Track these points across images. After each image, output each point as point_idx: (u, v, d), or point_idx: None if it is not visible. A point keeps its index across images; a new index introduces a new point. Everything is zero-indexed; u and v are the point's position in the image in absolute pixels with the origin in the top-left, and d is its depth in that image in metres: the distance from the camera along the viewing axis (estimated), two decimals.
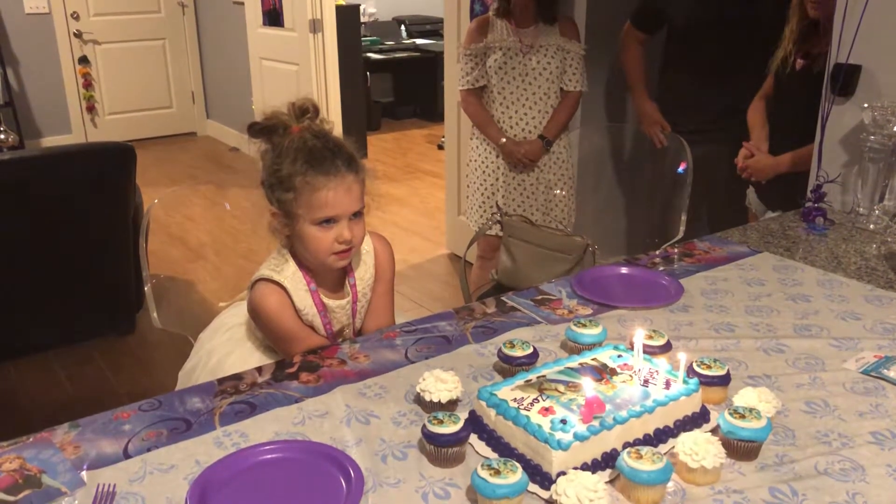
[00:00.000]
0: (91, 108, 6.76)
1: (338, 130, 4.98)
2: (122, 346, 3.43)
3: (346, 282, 1.58)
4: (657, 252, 1.93)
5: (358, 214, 1.49)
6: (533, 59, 2.88)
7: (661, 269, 1.81)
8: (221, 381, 1.37)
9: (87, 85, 6.69)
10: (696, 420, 1.21)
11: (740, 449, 1.14)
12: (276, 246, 1.57)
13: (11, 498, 1.06)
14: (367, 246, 1.62)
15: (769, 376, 1.36)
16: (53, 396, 2.97)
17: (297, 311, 1.50)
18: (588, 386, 1.16)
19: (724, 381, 1.27)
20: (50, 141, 6.42)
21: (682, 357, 1.24)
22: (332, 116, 5.51)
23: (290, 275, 1.51)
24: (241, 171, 6.13)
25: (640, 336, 1.28)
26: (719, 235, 2.03)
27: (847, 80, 2.10)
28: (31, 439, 1.19)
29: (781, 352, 1.45)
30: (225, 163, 6.48)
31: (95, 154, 3.31)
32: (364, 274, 1.60)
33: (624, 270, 1.79)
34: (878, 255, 1.87)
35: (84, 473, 1.12)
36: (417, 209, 5.29)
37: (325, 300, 1.54)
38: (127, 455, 1.16)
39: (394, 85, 8.07)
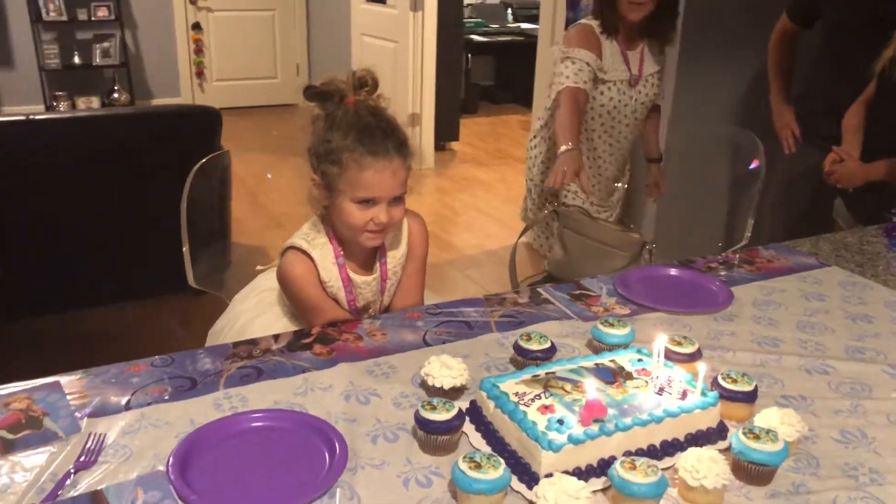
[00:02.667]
0: (200, 74, 6.98)
1: (430, 111, 4.97)
2: (195, 305, 3.53)
3: (377, 259, 1.56)
4: (716, 256, 1.82)
5: (398, 199, 1.46)
6: (641, 91, 2.49)
7: (716, 274, 1.71)
8: (237, 344, 1.38)
9: (198, 51, 6.91)
10: (711, 436, 1.13)
11: (751, 472, 1.05)
12: (312, 216, 1.56)
13: (11, 436, 1.09)
14: (403, 224, 1.59)
15: (805, 398, 1.26)
16: (119, 346, 3.08)
17: (322, 282, 1.49)
18: (591, 387, 1.10)
19: (749, 397, 1.18)
20: (159, 102, 6.66)
21: (702, 367, 1.16)
22: (426, 96, 5.52)
23: (320, 246, 1.50)
24: None
25: (661, 341, 1.20)
26: (788, 244, 1.90)
27: None
28: (43, 382, 1.22)
29: (826, 373, 1.34)
30: None
31: (184, 115, 3.41)
32: (396, 252, 1.58)
33: (673, 272, 1.69)
34: None
35: (83, 420, 1.14)
36: (501, 195, 5.23)
37: (352, 275, 1.52)
38: (127, 407, 1.17)
39: (496, 68, 8.00)
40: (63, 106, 6.16)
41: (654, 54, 2.53)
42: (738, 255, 1.82)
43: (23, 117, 3.05)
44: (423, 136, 5.65)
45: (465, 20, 6.92)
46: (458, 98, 6.29)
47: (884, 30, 2.25)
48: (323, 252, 1.49)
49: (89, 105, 6.32)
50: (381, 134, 1.41)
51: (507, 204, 5.04)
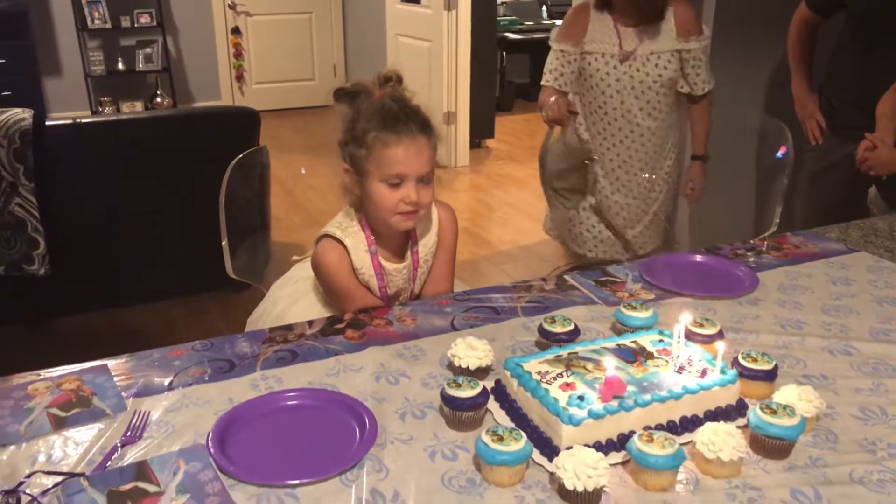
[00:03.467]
0: (240, 77, 7.12)
1: (465, 109, 5.01)
2: (237, 300, 3.62)
3: (409, 248, 1.61)
4: (742, 243, 1.83)
5: (426, 180, 1.51)
6: (639, 69, 2.44)
7: (743, 260, 1.73)
8: (273, 329, 1.44)
9: (238, 55, 7.05)
10: (730, 413, 1.16)
11: (768, 446, 1.08)
12: (345, 206, 1.61)
13: (63, 413, 1.17)
14: (433, 214, 1.64)
15: (826, 377, 1.28)
16: (165, 340, 3.17)
17: (354, 269, 1.54)
18: (610, 365, 1.13)
19: (769, 376, 1.21)
20: (201, 106, 6.80)
21: (721, 346, 1.19)
22: (461, 94, 5.56)
23: (353, 234, 1.55)
24: None
25: (683, 321, 1.23)
26: (816, 231, 1.90)
27: None
28: (92, 365, 1.30)
29: (849, 354, 1.35)
30: None
31: (224, 116, 3.51)
32: (427, 241, 1.63)
33: (698, 258, 1.72)
34: None
35: (128, 400, 1.20)
36: (535, 192, 5.22)
37: (384, 263, 1.57)
38: (170, 388, 1.24)
39: (531, 66, 8.01)
40: (108, 110, 6.33)
41: (666, 35, 2.44)
42: (765, 242, 1.83)
43: (70, 121, 3.16)
44: (459, 134, 5.70)
45: (499, 18, 6.95)
46: (493, 96, 6.32)
47: None
48: (356, 240, 1.55)
49: (133, 109, 6.48)
50: (404, 116, 1.47)
51: (541, 200, 5.02)
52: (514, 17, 7.53)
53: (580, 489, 0.97)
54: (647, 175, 2.56)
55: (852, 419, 1.17)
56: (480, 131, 6.09)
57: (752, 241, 1.85)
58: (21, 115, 2.99)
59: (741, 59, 3.22)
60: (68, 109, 6.32)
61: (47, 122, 3.05)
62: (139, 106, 6.54)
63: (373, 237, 1.57)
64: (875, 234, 1.88)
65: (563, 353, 1.23)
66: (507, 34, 7.28)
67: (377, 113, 1.47)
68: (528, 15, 7.69)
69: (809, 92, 2.79)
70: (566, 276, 1.65)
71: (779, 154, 2.31)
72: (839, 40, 2.68)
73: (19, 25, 5.88)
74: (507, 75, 7.47)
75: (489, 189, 5.34)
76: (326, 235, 1.56)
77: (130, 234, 3.30)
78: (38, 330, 3.29)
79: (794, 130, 2.80)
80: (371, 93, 1.50)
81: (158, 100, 6.55)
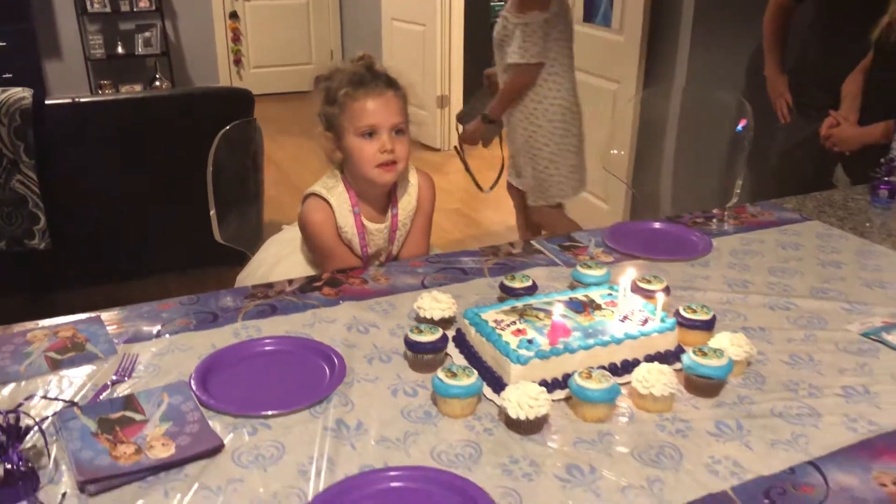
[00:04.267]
0: (238, 61, 7.20)
1: (458, 92, 5.15)
2: (234, 274, 3.72)
3: (389, 209, 1.71)
4: (703, 212, 1.94)
5: (400, 132, 1.62)
6: (496, 27, 2.98)
7: (701, 227, 1.83)
8: (255, 287, 1.55)
9: (236, 39, 7.13)
10: (668, 357, 1.26)
11: (700, 385, 1.19)
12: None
13: (59, 356, 1.28)
14: (413, 180, 1.75)
15: (763, 329, 1.39)
16: None
17: (338, 228, 1.65)
18: (557, 311, 1.24)
19: (707, 325, 1.32)
20: (197, 87, 6.89)
21: (660, 297, 1.30)
22: (454, 76, 5.66)
23: (338, 194, 1.66)
24: None
25: (628, 276, 1.34)
26: (775, 201, 2.01)
27: None
28: (87, 316, 1.41)
29: (787, 309, 1.46)
30: None
31: (219, 97, 3.61)
32: (407, 205, 1.73)
33: (657, 226, 1.82)
34: None
35: (119, 345, 1.31)
36: None
37: (366, 222, 1.68)
38: (158, 335, 1.35)
39: None
40: (108, 93, 6.41)
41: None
42: (725, 212, 1.94)
43: (69, 100, 3.27)
44: (452, 117, 5.79)
45: (493, 3, 7.02)
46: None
47: (875, 0, 2.35)
48: (340, 200, 1.66)
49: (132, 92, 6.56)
50: (371, 75, 1.59)
51: None
52: None
53: (522, 417, 1.08)
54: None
55: (781, 364, 1.28)
56: None
57: (713, 211, 1.95)
58: (21, 94, 3.09)
59: (722, 46, 3.32)
60: (68, 92, 6.38)
61: (47, 102, 3.15)
62: (138, 89, 6.62)
63: (356, 198, 1.67)
64: (830, 205, 1.98)
65: (519, 304, 1.34)
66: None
67: (346, 77, 1.58)
68: None
69: (780, 73, 2.89)
70: (533, 242, 1.75)
71: (739, 127, 2.41)
72: (809, 23, 2.79)
73: (20, 9, 5.97)
74: None
75: (481, 170, 5.40)
76: (313, 194, 1.66)
77: (129, 210, 3.40)
78: (40, 303, 3.39)
79: (768, 110, 2.90)
80: (345, 68, 1.61)
81: (157, 83, 6.63)
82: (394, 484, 0.97)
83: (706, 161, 3.13)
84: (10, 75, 5.94)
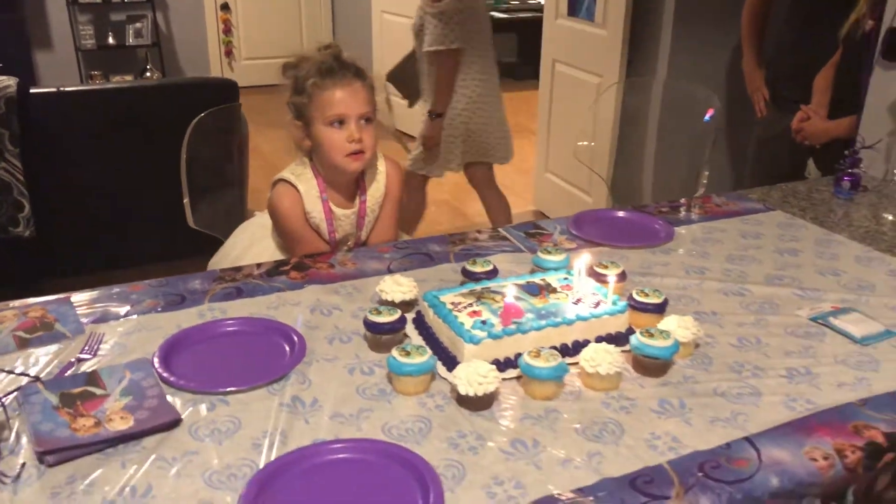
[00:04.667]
0: (229, 53, 7.22)
1: None
2: None
3: (357, 196, 1.75)
4: (669, 202, 1.98)
5: (368, 121, 1.65)
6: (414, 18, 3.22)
7: (666, 216, 1.87)
8: (224, 270, 1.58)
9: (227, 31, 7.15)
10: (619, 339, 1.30)
11: (646, 365, 1.23)
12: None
13: (27, 335, 1.31)
14: (382, 167, 1.78)
15: (716, 313, 1.43)
16: None
17: (306, 213, 1.69)
18: (509, 293, 1.28)
19: (658, 309, 1.35)
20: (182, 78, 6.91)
21: (612, 279, 1.34)
22: None
23: (307, 180, 1.70)
24: None
25: (582, 261, 1.38)
26: (741, 192, 2.05)
27: None
28: (57, 297, 1.44)
29: (741, 295, 1.50)
30: None
31: (204, 87, 3.63)
32: (375, 192, 1.77)
33: (621, 214, 1.86)
34: (894, 220, 1.85)
35: (87, 325, 1.35)
36: (515, 166, 5.32)
37: (334, 208, 1.72)
38: (126, 316, 1.39)
39: (518, 45, 8.12)
40: (93, 83, 6.43)
41: None
42: (690, 202, 1.98)
43: (54, 89, 3.29)
44: None
45: None
46: None
47: None
48: (308, 186, 1.69)
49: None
50: (339, 65, 1.63)
51: (520, 175, 5.19)
52: None
53: (471, 394, 1.12)
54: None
55: (729, 346, 1.32)
56: None
57: (680, 201, 1.99)
58: (6, 82, 3.12)
59: (703, 42, 3.36)
60: (60, 83, 6.40)
61: (32, 90, 3.18)
62: (129, 80, 6.64)
63: (324, 184, 1.71)
64: (794, 196, 2.02)
65: (478, 287, 1.37)
66: (492, 13, 7.37)
67: (315, 66, 1.62)
68: None
69: (758, 67, 2.93)
70: (500, 229, 1.79)
71: (706, 117, 2.45)
72: (784, 17, 2.83)
73: None
74: None
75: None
76: (281, 180, 1.70)
77: (114, 199, 3.43)
78: (28, 292, 3.42)
79: (746, 103, 2.95)
80: (313, 57, 1.64)
81: (148, 74, 6.65)
82: (339, 455, 1.01)
83: (686, 152, 3.17)
84: (1, 65, 5.95)
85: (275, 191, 1.70)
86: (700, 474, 1.02)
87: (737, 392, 1.19)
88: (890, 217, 1.87)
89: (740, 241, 1.74)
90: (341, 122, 1.62)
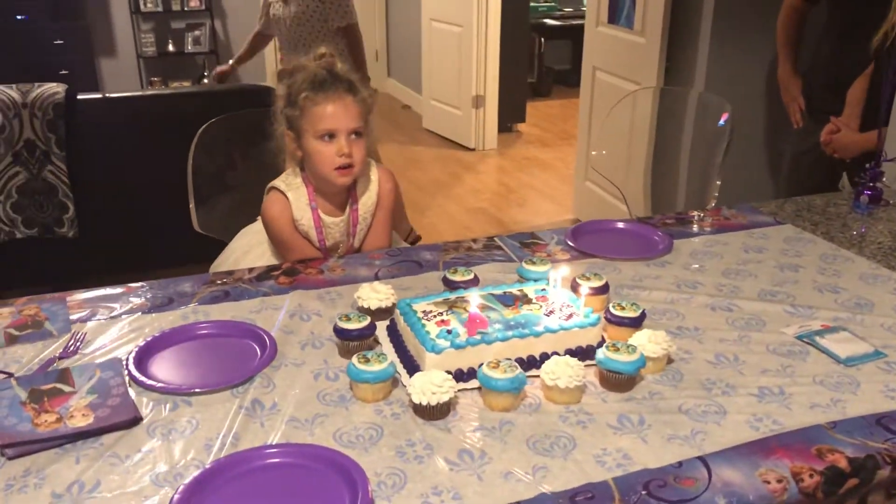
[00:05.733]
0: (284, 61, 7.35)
1: (493, 93, 5.24)
2: None
3: (349, 205, 1.77)
4: (674, 214, 1.94)
5: (358, 135, 1.67)
6: (292, 7, 3.50)
7: (668, 229, 1.84)
8: (216, 273, 1.62)
9: None
10: (590, 353, 1.29)
11: (611, 379, 1.21)
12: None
13: (17, 333, 1.37)
14: (374, 176, 1.80)
15: (698, 329, 1.40)
16: None
17: (294, 221, 1.71)
18: (473, 303, 1.28)
19: (635, 322, 1.33)
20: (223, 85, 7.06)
21: (584, 291, 1.33)
22: (489, 78, 5.68)
23: (296, 188, 1.73)
24: (405, 128, 6.46)
25: (559, 272, 1.37)
26: (753, 205, 2.00)
27: None
28: (52, 296, 1.50)
29: (729, 311, 1.47)
30: (394, 119, 6.85)
31: (244, 93, 3.72)
32: (367, 201, 1.78)
33: (621, 225, 1.84)
34: None
35: (75, 325, 1.40)
36: (558, 174, 5.35)
37: (323, 216, 1.74)
38: (112, 317, 1.43)
39: (573, 52, 8.06)
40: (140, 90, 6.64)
41: None
42: (696, 214, 1.94)
43: (100, 95, 3.42)
44: (487, 118, 5.83)
45: (536, 5, 7.04)
46: (525, 81, 6.42)
47: (882, 3, 2.30)
48: (297, 194, 1.72)
49: None
50: (331, 78, 1.65)
51: (563, 183, 5.17)
52: (552, 3, 7.59)
53: (424, 403, 1.12)
54: None
55: (704, 363, 1.29)
56: (511, 116, 6.21)
57: (687, 213, 1.95)
58: (55, 88, 3.25)
59: (741, 46, 3.29)
60: (121, 89, 6.64)
61: (79, 97, 3.30)
62: (187, 86, 6.83)
63: (315, 194, 1.73)
64: (809, 210, 1.96)
65: (452, 296, 1.38)
66: (545, 20, 7.36)
67: (308, 78, 1.64)
68: (567, 1, 7.74)
69: (794, 76, 2.85)
70: (495, 238, 1.79)
71: (721, 121, 2.40)
72: (822, 25, 2.74)
73: (77, 7, 6.23)
74: (545, 61, 7.55)
75: (513, 172, 5.46)
76: (273, 188, 1.73)
77: (155, 202, 3.52)
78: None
79: (784, 114, 2.87)
80: (308, 67, 1.67)
81: (206, 80, 6.83)
82: (275, 460, 1.02)
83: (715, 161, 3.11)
84: (67, 72, 6.20)
85: (266, 198, 1.74)
86: (643, 492, 1.00)
87: (702, 410, 1.17)
88: None
89: (741, 256, 1.70)
90: (331, 136, 1.64)
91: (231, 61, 4.30)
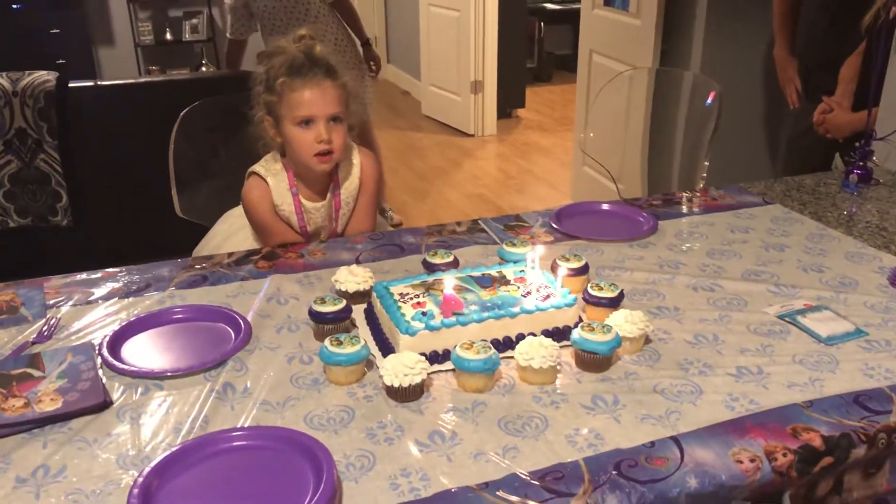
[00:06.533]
0: None
1: (492, 78, 5.26)
2: None
3: (331, 191, 1.75)
4: (662, 195, 1.92)
5: (337, 120, 1.65)
6: None
7: (654, 210, 1.82)
8: (195, 258, 1.61)
9: None
10: (567, 333, 1.27)
11: (586, 360, 1.20)
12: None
13: None
14: (356, 160, 1.78)
15: (678, 309, 1.38)
16: None
17: (275, 206, 1.70)
18: (448, 285, 1.27)
19: (612, 303, 1.32)
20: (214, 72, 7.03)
21: (561, 272, 1.31)
22: (488, 64, 5.65)
23: (276, 173, 1.71)
24: (404, 114, 6.43)
25: (535, 253, 1.36)
26: (742, 185, 1.98)
27: None
28: (29, 281, 1.49)
29: (711, 291, 1.45)
30: (394, 105, 6.82)
31: (235, 80, 3.69)
32: (349, 185, 1.77)
33: (606, 207, 1.82)
34: None
35: (50, 310, 1.39)
36: (557, 160, 5.32)
37: (304, 202, 1.72)
38: (88, 303, 1.42)
39: (573, 37, 8.01)
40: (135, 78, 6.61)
41: None
42: (684, 195, 1.92)
43: (91, 83, 3.40)
44: (486, 103, 5.80)
45: None
46: (524, 66, 6.38)
47: None
48: (278, 179, 1.71)
49: None
50: (309, 62, 1.62)
51: (563, 168, 5.14)
52: None
53: (396, 385, 1.11)
54: None
55: (683, 343, 1.28)
56: (510, 101, 6.17)
57: (675, 194, 1.94)
58: (45, 77, 3.24)
59: (737, 28, 3.26)
60: (120, 77, 6.61)
61: (71, 84, 3.29)
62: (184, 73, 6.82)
63: (295, 179, 1.72)
64: (798, 190, 1.94)
65: (430, 279, 1.36)
66: (545, 5, 7.31)
67: (285, 63, 1.62)
68: None
69: (790, 56, 2.82)
70: (479, 221, 1.77)
71: (708, 101, 2.37)
72: (817, 4, 2.71)
73: None
74: (545, 46, 7.50)
75: (512, 157, 5.44)
76: (253, 173, 1.72)
77: (149, 189, 3.51)
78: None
79: (781, 96, 2.84)
80: (287, 50, 1.64)
81: (203, 69, 6.81)
82: (240, 442, 1.01)
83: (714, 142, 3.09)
84: (64, 61, 6.14)
85: (246, 184, 1.72)
86: (614, 472, 0.99)
87: (678, 390, 1.15)
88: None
89: (727, 236, 1.68)
90: (309, 122, 1.62)
91: None
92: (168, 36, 6.69)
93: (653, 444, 1.04)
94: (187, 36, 6.75)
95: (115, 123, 3.36)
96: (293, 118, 1.62)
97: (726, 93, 2.78)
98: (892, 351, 1.25)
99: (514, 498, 0.95)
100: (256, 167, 1.72)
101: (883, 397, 1.13)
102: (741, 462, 1.01)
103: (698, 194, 1.92)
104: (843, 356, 1.23)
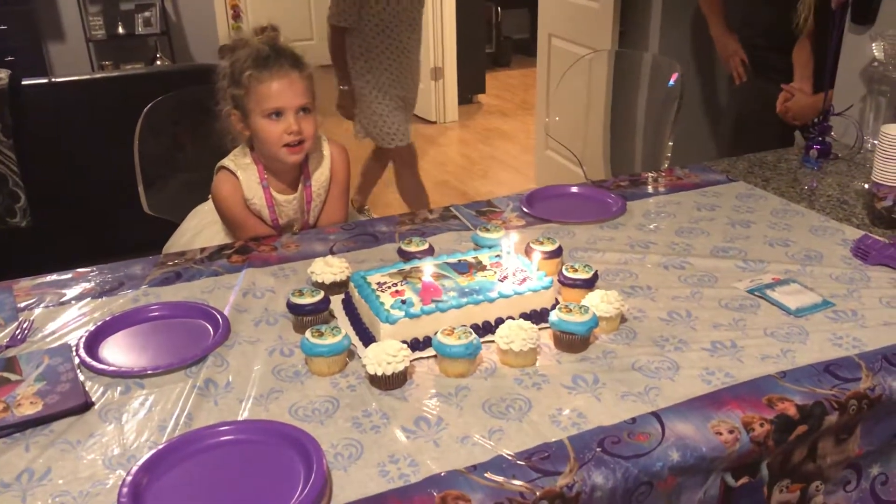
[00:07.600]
0: None
1: (451, 64, 5.29)
2: None
3: (301, 182, 1.75)
4: (628, 176, 1.95)
5: (306, 111, 1.64)
6: None
7: (622, 191, 1.84)
8: (167, 255, 1.59)
9: (236, 16, 7.18)
10: (544, 316, 1.29)
11: (564, 341, 1.22)
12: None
13: None
14: (326, 151, 1.77)
15: (651, 287, 1.41)
16: None
17: (246, 200, 1.69)
18: (427, 272, 1.28)
19: (587, 284, 1.34)
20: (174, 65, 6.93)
21: (536, 256, 1.33)
22: (447, 50, 5.64)
23: (246, 167, 1.70)
24: None
25: (511, 238, 1.37)
26: (706, 164, 2.01)
27: (866, 6, 1.98)
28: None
29: (682, 268, 1.48)
30: None
31: (196, 73, 3.64)
32: (320, 177, 1.76)
33: (575, 190, 1.84)
34: (859, 189, 1.80)
35: (22, 313, 1.37)
36: (521, 145, 5.34)
37: (275, 195, 1.72)
38: (61, 304, 1.41)
39: (531, 21, 8.03)
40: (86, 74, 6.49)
41: None
42: (649, 175, 1.94)
43: (46, 80, 3.34)
44: (447, 90, 5.79)
45: None
46: (483, 51, 6.38)
47: None
48: (247, 173, 1.69)
49: None
50: (274, 54, 1.61)
51: (525, 153, 5.16)
52: None
53: (379, 373, 1.12)
54: None
55: (657, 321, 1.30)
56: (471, 87, 6.17)
57: (640, 175, 1.96)
58: None
59: (694, 10, 3.29)
60: (72, 73, 6.47)
61: (24, 82, 3.22)
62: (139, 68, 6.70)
63: (265, 172, 1.71)
64: (760, 166, 1.98)
65: (407, 267, 1.37)
66: None
67: (251, 55, 1.61)
68: None
69: (727, 30, 2.84)
70: (451, 207, 1.78)
71: (671, 82, 2.40)
72: None
73: None
74: (503, 31, 7.51)
75: (475, 143, 5.45)
76: (223, 168, 1.70)
77: (110, 188, 3.46)
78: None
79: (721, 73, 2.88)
80: (249, 42, 1.63)
81: (158, 63, 6.69)
82: (228, 437, 1.01)
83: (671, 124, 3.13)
84: (12, 58, 6.03)
85: (216, 178, 1.71)
86: (598, 449, 1.01)
87: (655, 367, 1.18)
88: (855, 185, 1.82)
89: (693, 214, 1.71)
90: (278, 114, 1.61)
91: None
92: (120, 30, 6.55)
93: (634, 420, 1.06)
94: (140, 29, 6.62)
95: (72, 121, 3.30)
96: (262, 111, 1.61)
97: (685, 72, 2.82)
98: (858, 320, 1.29)
99: (501, 478, 0.96)
100: (226, 161, 1.71)
101: (852, 365, 1.17)
102: (720, 434, 1.04)
103: (664, 174, 1.95)
104: (812, 327, 1.27)
